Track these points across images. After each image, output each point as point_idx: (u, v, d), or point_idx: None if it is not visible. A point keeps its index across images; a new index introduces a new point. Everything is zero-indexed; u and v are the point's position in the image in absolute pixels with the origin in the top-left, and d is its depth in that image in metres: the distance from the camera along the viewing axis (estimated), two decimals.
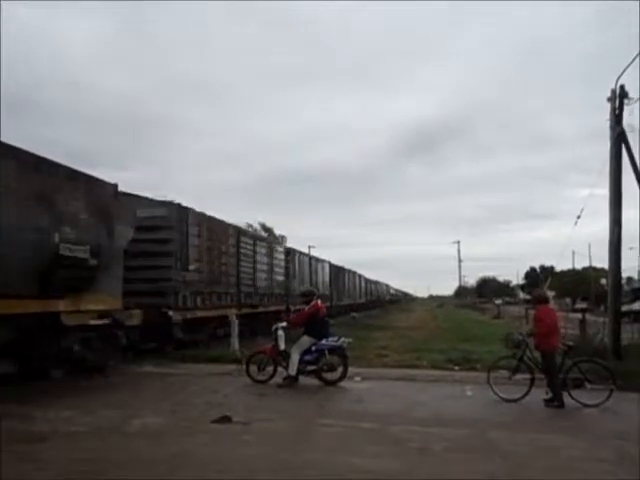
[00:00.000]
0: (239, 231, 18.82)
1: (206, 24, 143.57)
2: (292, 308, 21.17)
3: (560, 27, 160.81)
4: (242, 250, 18.26)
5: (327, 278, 33.23)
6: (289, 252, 25.13)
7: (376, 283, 68.03)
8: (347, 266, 45.11)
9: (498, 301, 66.36)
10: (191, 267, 14.32)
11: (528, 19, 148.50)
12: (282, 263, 23.31)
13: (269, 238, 22.34)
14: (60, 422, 7.10)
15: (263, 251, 20.83)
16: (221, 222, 17.11)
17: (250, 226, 51.55)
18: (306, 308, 10.73)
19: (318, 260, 32.40)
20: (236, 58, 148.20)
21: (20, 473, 5.21)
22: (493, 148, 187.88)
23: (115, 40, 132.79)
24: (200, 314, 14.89)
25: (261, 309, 20.07)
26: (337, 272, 36.92)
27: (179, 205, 14.25)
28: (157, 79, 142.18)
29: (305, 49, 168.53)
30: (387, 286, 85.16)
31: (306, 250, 40.38)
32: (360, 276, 49.62)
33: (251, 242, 19.60)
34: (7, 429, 6.71)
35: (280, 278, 22.89)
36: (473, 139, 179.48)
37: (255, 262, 19.59)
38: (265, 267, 20.97)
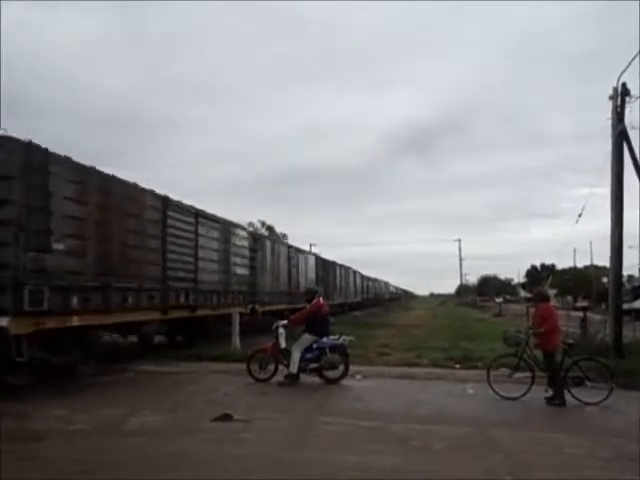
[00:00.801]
0: (166, 202, 12.98)
1: (206, 24, 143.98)
2: (259, 309, 19.02)
3: (559, 24, 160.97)
4: (172, 230, 13.08)
5: (312, 274, 28.76)
6: (257, 239, 20.55)
7: (374, 280, 65.01)
8: (348, 264, 44.58)
9: (499, 299, 66.44)
10: (57, 246, 9.10)
11: (526, 17, 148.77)
12: (246, 252, 18.66)
13: (224, 219, 16.98)
14: (58, 420, 7.10)
15: (213, 234, 15.79)
16: (131, 185, 11.70)
17: (251, 224, 51.65)
18: (307, 306, 10.74)
19: (300, 251, 27.79)
20: (235, 57, 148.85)
21: (18, 472, 5.20)
22: (491, 146, 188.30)
23: (115, 39, 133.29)
24: (78, 322, 9.53)
25: (206, 312, 15.14)
26: (326, 267, 33.26)
27: (30, 144, 8.78)
28: (157, 78, 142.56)
29: (304, 48, 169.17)
30: (386, 284, 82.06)
31: (307, 248, 40.12)
32: (355, 272, 46.39)
33: (190, 220, 14.20)
34: (4, 428, 6.69)
35: (243, 272, 18.20)
36: (471, 137, 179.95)
37: (197, 248, 14.43)
38: (215, 256, 15.85)
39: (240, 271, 17.96)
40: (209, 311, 15.36)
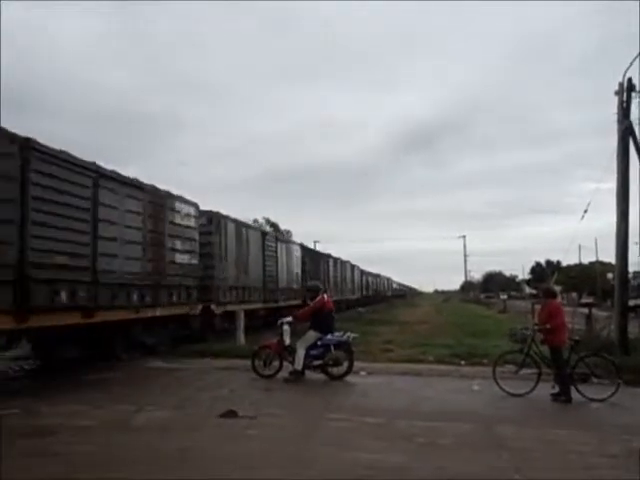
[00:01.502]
0: (27, 146, 8.55)
1: (206, 23, 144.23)
2: (216, 309, 15.54)
3: (563, 20, 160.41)
4: (40, 192, 8.70)
5: (297, 267, 24.59)
6: (212, 219, 15.95)
7: (376, 276, 60.97)
8: (353, 261, 43.87)
9: (503, 296, 66.32)
10: None
11: (530, 14, 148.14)
12: (194, 235, 14.23)
13: (154, 187, 12.55)
14: (68, 416, 7.14)
15: (131, 206, 11.34)
16: None
17: (255, 221, 51.69)
18: (311, 303, 10.74)
19: (281, 240, 23.59)
20: (237, 56, 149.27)
21: (28, 467, 5.25)
22: (495, 143, 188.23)
23: (117, 39, 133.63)
24: None
25: (117, 315, 10.78)
26: (316, 260, 29.31)
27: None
28: (159, 77, 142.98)
29: (305, 47, 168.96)
30: (389, 280, 77.92)
31: (312, 245, 39.80)
32: (354, 267, 42.86)
33: (84, 182, 9.83)
34: (15, 424, 6.78)
35: (188, 260, 13.83)
36: (475, 134, 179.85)
37: (97, 223, 10.10)
38: (137, 236, 11.53)
39: (183, 259, 13.50)
40: (124, 314, 10.99)
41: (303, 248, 26.88)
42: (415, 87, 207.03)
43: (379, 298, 57.74)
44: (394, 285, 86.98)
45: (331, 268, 33.06)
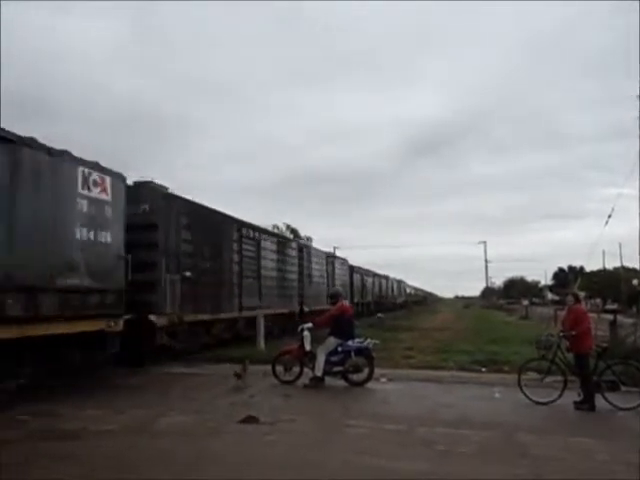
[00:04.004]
0: None
1: (218, 26, 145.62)
2: (156, 321, 11.58)
3: (580, 19, 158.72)
4: None
5: (269, 262, 18.83)
6: (141, 187, 11.98)
7: (385, 278, 50.34)
8: (371, 267, 41.77)
9: (525, 302, 65.55)
10: None
11: (545, 11, 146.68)
12: (107, 213, 9.75)
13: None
14: (90, 420, 7.22)
15: None
16: None
17: (276, 227, 51.82)
18: (332, 309, 10.72)
19: (244, 225, 16.82)
20: (249, 59, 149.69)
21: (51, 470, 5.32)
22: (512, 146, 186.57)
23: (129, 42, 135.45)
24: None
25: None
26: (296, 254, 22.43)
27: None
28: (172, 81, 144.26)
29: (317, 50, 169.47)
30: (401, 282, 65.01)
31: (331, 250, 38.82)
32: (355, 269, 35.37)
33: None
34: (38, 427, 6.88)
35: (105, 251, 9.67)
36: (492, 137, 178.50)
37: None
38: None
39: (93, 248, 9.34)
40: None
41: (279, 240, 20.87)
42: (430, 89, 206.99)
43: (384, 306, 43.97)
44: (408, 289, 74.51)
45: (314, 265, 25.36)
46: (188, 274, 12.78)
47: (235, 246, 15.90)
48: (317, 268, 25.76)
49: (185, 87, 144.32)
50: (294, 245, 22.87)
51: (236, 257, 15.88)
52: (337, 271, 30.13)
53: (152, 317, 11.60)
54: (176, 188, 13.09)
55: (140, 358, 11.91)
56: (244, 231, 16.65)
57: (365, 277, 39.18)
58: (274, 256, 19.43)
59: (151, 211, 11.86)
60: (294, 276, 21.81)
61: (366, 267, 41.46)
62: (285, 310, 19.81)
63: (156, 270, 11.82)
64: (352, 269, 34.65)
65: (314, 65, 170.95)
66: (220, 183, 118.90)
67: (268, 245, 18.91)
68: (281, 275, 20.04)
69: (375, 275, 44.54)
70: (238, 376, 9.94)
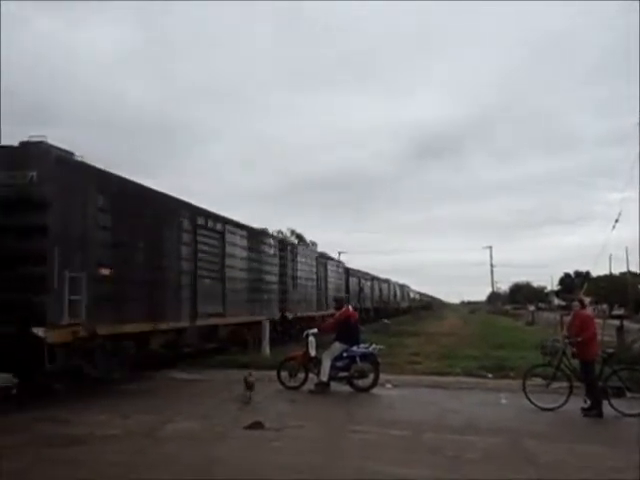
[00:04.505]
0: None
1: (221, 31, 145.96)
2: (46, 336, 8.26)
3: (583, 22, 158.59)
4: None
5: (238, 260, 15.59)
6: (28, 148, 8.89)
7: (387, 282, 47.35)
8: (377, 273, 41.18)
9: (531, 307, 65.29)
10: None
11: (548, 15, 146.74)
12: None
13: None
14: (96, 425, 7.23)
15: None
16: None
17: (280, 232, 51.88)
18: (337, 314, 10.73)
19: (200, 212, 13.58)
20: (253, 65, 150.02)
21: (56, 475, 5.35)
22: (516, 150, 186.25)
23: (135, 49, 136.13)
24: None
25: None
26: (277, 252, 19.38)
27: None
28: (180, 88, 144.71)
29: (318, 52, 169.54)
30: (404, 287, 61.86)
31: (335, 255, 38.05)
32: (351, 272, 32.83)
33: None
34: (44, 432, 6.90)
35: None
36: (495, 141, 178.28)
37: None
38: None
39: None
40: None
41: (250, 231, 17.05)
42: (433, 91, 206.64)
43: (385, 313, 41.02)
44: (411, 294, 71.10)
45: (299, 267, 22.20)
46: (105, 271, 9.72)
47: (186, 238, 12.52)
48: (305, 269, 22.74)
49: (187, 91, 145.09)
50: (273, 241, 19.51)
51: (187, 252, 12.52)
52: (330, 273, 27.13)
53: (37, 330, 8.20)
54: (180, 192, 12.95)
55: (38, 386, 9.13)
56: (200, 220, 13.30)
57: (363, 281, 36.32)
58: (245, 253, 16.11)
59: (40, 181, 8.61)
60: (273, 278, 18.66)
61: (371, 272, 40.81)
62: (260, 317, 16.45)
63: (44, 264, 8.48)
64: (348, 272, 32.34)
65: (316, 67, 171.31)
66: (221, 188, 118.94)
67: (237, 239, 15.53)
68: (255, 276, 16.81)
69: (374, 279, 41.60)
70: (248, 386, 9.06)
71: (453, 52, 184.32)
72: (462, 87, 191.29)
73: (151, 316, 10.90)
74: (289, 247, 21.51)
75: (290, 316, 19.00)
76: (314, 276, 24.08)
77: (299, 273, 21.84)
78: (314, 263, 24.40)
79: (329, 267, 27.20)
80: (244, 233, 16.19)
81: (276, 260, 19.11)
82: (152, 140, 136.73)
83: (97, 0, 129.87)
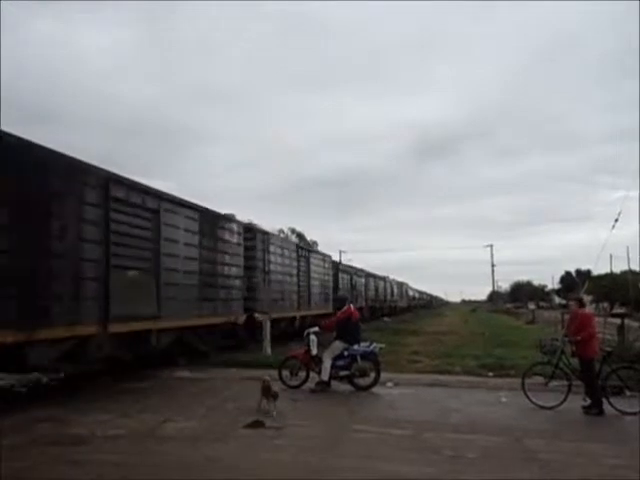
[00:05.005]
0: None
1: (223, 31, 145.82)
2: None
3: (586, 22, 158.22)
4: None
5: (182, 247, 12.26)
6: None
7: (383, 280, 44.56)
8: (377, 271, 41.10)
9: (532, 306, 65.30)
10: None
11: (551, 15, 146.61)
12: None
13: None
14: (97, 425, 7.24)
15: None
16: None
17: (281, 231, 51.93)
18: (339, 313, 10.74)
19: (117, 180, 10.17)
20: (255, 66, 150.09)
21: (58, 475, 5.35)
22: (518, 150, 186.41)
23: (140, 51, 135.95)
24: None
25: None
26: (240, 240, 15.89)
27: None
28: (180, 89, 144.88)
29: (321, 53, 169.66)
30: (402, 285, 58.89)
31: (337, 255, 37.72)
32: (341, 267, 30.60)
33: None
34: (46, 432, 6.92)
35: None
36: (495, 141, 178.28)
37: None
38: None
39: None
40: None
41: (203, 213, 13.67)
42: (436, 92, 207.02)
43: (378, 311, 38.92)
44: (410, 292, 68.12)
45: (271, 258, 18.76)
46: None
47: (92, 214, 9.47)
48: (281, 262, 19.53)
49: (188, 91, 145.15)
50: (237, 228, 15.81)
51: (94, 233, 9.47)
52: (314, 268, 23.77)
53: None
54: (181, 192, 12.72)
55: None
56: (118, 192, 10.09)
57: (356, 277, 33.33)
58: (195, 239, 12.85)
59: None
60: (237, 271, 15.39)
61: (371, 270, 40.30)
62: (217, 320, 13.76)
63: None
64: (337, 267, 29.48)
65: (318, 68, 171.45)
66: (226, 188, 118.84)
67: (180, 221, 12.17)
68: (210, 269, 13.60)
69: (369, 275, 38.38)
70: (269, 394, 7.70)
71: (454, 52, 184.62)
72: (463, 87, 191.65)
73: (25, 320, 7.88)
74: (259, 235, 17.83)
75: (261, 317, 16.03)
76: (294, 271, 21.04)
77: (273, 267, 18.57)
78: (294, 256, 21.19)
79: (313, 261, 23.84)
80: (193, 214, 12.83)
81: (241, 250, 15.83)
82: (152, 140, 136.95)
83: (97, 0, 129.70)
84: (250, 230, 17.26)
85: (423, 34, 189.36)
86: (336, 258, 41.00)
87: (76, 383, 10.37)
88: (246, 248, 16.24)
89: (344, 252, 56.75)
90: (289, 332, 18.83)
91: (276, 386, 7.48)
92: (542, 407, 8.56)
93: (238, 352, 14.65)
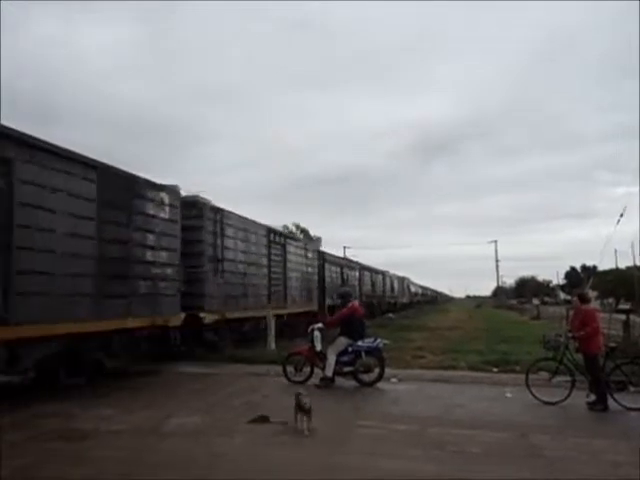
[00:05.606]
0: None
1: (223, 31, 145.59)
2: None
3: (586, 20, 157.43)
4: None
5: (87, 223, 9.03)
6: None
7: (382, 274, 41.03)
8: (382, 267, 40.54)
9: (536, 301, 65.18)
10: None
11: (551, 13, 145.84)
12: None
13: None
14: (101, 420, 7.27)
15: None
16: None
17: (286, 227, 51.91)
18: (343, 309, 10.73)
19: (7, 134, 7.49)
20: (255, 66, 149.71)
21: (60, 470, 5.37)
22: (519, 148, 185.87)
23: (142, 50, 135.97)
24: None
25: None
26: (178, 217, 12.10)
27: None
28: (183, 87, 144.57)
29: (322, 53, 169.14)
30: (404, 280, 54.94)
31: (341, 251, 37.55)
32: (329, 258, 26.87)
33: None
34: (49, 427, 6.95)
35: None
36: (496, 140, 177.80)
37: None
38: None
39: None
40: None
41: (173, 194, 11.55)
42: (436, 91, 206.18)
43: (384, 307, 36.26)
44: (412, 288, 63.75)
45: (235, 242, 15.48)
46: None
47: None
48: (243, 249, 15.77)
49: (188, 90, 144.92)
50: (168, 199, 11.68)
51: None
52: (293, 258, 20.25)
53: None
54: (184, 192, 12.58)
55: None
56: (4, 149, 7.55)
57: (347, 270, 29.68)
58: (88, 209, 9.16)
59: None
60: (166, 257, 11.56)
61: (372, 266, 39.22)
62: (132, 322, 10.31)
63: None
64: (324, 258, 25.81)
65: (319, 67, 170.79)
66: (227, 187, 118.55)
67: (56, 180, 8.48)
68: (116, 252, 9.91)
69: (364, 269, 34.67)
70: (303, 410, 6.72)
71: (454, 52, 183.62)
72: (463, 86, 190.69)
73: None
74: (208, 213, 13.84)
75: (207, 317, 13.27)
76: (263, 260, 17.30)
77: (231, 254, 14.91)
78: (263, 242, 17.39)
79: (291, 249, 20.17)
80: (85, 173, 9.12)
81: (176, 229, 12.03)
82: (153, 139, 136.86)
83: (97, 0, 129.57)
84: (194, 205, 13.25)
85: (423, 34, 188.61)
86: (340, 254, 40.85)
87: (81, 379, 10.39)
88: (186, 228, 12.60)
89: (348, 248, 56.62)
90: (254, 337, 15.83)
91: (308, 399, 6.76)
92: (546, 403, 8.54)
93: (242, 348, 14.66)
